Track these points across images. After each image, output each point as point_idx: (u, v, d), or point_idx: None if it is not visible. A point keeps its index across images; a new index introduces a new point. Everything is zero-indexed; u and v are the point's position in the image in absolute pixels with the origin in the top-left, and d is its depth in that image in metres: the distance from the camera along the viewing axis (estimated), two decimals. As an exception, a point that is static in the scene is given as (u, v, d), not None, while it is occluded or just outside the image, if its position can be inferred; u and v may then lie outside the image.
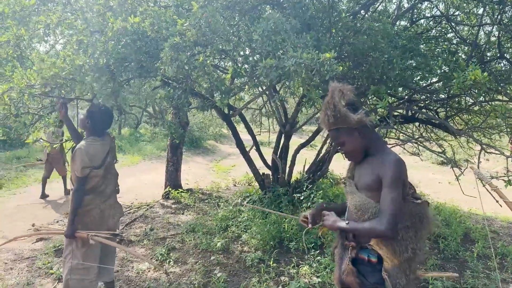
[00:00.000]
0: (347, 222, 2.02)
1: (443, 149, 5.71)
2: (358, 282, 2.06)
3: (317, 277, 4.16)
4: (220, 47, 3.70)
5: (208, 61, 3.46)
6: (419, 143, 5.39)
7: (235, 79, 4.70)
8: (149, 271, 4.44)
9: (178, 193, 7.41)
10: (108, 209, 3.18)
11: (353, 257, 2.07)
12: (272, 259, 4.45)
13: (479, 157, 4.04)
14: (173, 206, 7.03)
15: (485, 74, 3.31)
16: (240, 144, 6.20)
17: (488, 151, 4.43)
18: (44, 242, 5.17)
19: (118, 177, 3.41)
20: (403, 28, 5.31)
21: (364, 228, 1.94)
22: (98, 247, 3.12)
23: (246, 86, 3.84)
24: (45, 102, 4.47)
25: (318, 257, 4.50)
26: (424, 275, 2.15)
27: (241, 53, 3.78)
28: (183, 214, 6.56)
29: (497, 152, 3.82)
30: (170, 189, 7.58)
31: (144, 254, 4.85)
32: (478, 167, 4.03)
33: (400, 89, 4.74)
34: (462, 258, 4.93)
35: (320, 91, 3.66)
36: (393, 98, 5.15)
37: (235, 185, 9.22)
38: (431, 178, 12.67)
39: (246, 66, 3.73)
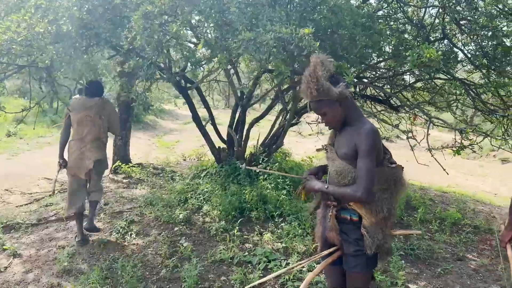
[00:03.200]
0: (326, 186, 2.21)
1: (398, 122, 6.15)
2: (340, 239, 2.27)
3: (280, 242, 4.39)
4: (192, 16, 3.67)
5: (182, 31, 3.43)
6: (377, 117, 5.74)
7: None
8: (110, 243, 4.39)
9: (128, 167, 7.25)
10: (86, 152, 4.19)
11: (335, 214, 2.25)
12: (236, 228, 4.59)
13: (427, 130, 4.44)
14: (124, 180, 6.88)
15: (439, 52, 3.62)
16: (196, 117, 6.19)
17: (436, 124, 4.87)
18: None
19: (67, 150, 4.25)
20: (357, 7, 5.55)
21: (341, 193, 2.15)
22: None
23: (216, 58, 3.85)
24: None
25: (282, 224, 4.73)
26: (392, 232, 2.40)
27: (211, 24, 3.78)
28: (136, 188, 6.46)
29: (444, 125, 4.25)
30: (120, 163, 7.39)
31: (102, 228, 4.77)
32: (427, 140, 4.43)
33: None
34: (407, 223, 5.43)
35: (289, 67, 3.78)
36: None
37: (184, 160, 9.19)
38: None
39: (216, 37, 3.74)
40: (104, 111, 4.26)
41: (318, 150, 2.62)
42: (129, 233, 4.60)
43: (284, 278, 3.67)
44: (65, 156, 4.31)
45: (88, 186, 4.40)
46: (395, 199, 2.25)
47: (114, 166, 7.43)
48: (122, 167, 7.23)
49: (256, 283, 2.43)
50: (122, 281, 3.54)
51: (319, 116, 2.30)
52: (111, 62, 8.15)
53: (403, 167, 2.31)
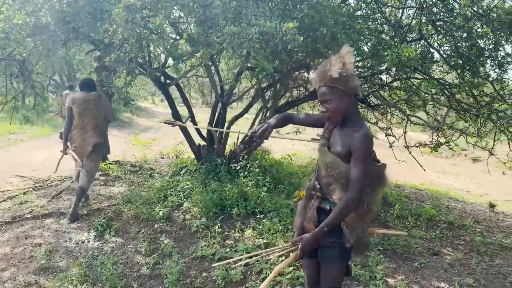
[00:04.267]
0: (320, 227, 2.11)
1: (377, 119, 6.26)
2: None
3: (261, 238, 4.40)
4: (174, 11, 3.64)
5: (165, 25, 3.40)
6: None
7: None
8: (88, 241, 4.31)
9: (105, 165, 7.11)
10: (87, 138, 4.81)
11: (317, 205, 2.26)
12: (217, 225, 4.58)
13: (405, 128, 4.54)
14: (101, 178, 6.75)
15: (418, 51, 3.72)
16: (176, 114, 6.14)
17: (413, 122, 5.00)
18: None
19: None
20: (338, 6, 5.63)
21: (338, 213, 2.08)
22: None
23: (198, 54, 3.84)
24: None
25: (264, 220, 4.74)
26: (378, 232, 2.45)
27: (194, 19, 3.76)
28: (114, 186, 6.35)
29: (421, 122, 4.36)
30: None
31: (79, 226, 4.68)
32: (405, 137, 4.53)
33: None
34: (384, 219, 5.55)
35: (271, 63, 3.80)
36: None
37: (163, 158, 9.09)
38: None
39: (199, 33, 3.72)
40: (100, 103, 4.86)
41: (313, 139, 2.62)
42: (108, 230, 4.51)
43: (265, 274, 3.69)
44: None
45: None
46: (375, 195, 2.29)
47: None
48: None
49: (226, 261, 2.32)
50: (102, 278, 3.48)
51: (320, 104, 2.23)
52: (87, 57, 8.01)
53: (386, 165, 2.35)
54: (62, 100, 5.18)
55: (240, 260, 2.92)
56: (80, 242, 4.26)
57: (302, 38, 3.03)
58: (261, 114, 6.82)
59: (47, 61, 3.57)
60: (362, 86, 6.52)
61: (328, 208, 2.24)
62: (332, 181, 2.18)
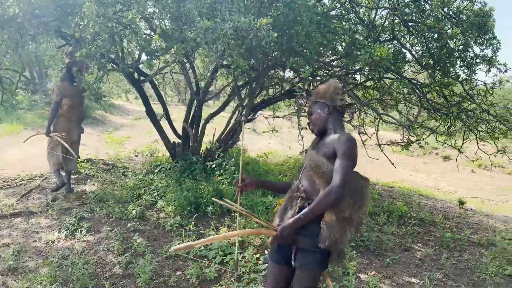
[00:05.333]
0: (297, 216, 2.12)
1: (351, 118, 6.33)
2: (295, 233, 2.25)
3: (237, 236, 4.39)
4: (147, 7, 3.58)
5: (138, 20, 3.35)
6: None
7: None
8: (59, 241, 4.20)
9: (77, 163, 6.94)
10: (73, 129, 5.45)
11: (301, 206, 2.27)
12: (192, 223, 4.54)
13: (377, 126, 4.62)
14: (72, 176, 6.60)
15: (390, 51, 3.78)
16: (150, 112, 6.05)
17: (385, 120, 5.08)
18: None
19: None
20: (313, 5, 5.67)
21: (317, 202, 2.08)
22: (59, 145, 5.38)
23: (172, 50, 3.79)
24: None
25: (239, 218, 4.72)
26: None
27: (168, 15, 3.71)
28: (85, 184, 6.22)
29: (394, 121, 4.44)
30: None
31: (49, 225, 4.56)
32: (377, 136, 4.60)
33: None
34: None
35: (247, 61, 3.79)
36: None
37: (137, 156, 8.95)
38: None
39: (173, 28, 3.68)
40: (83, 96, 5.11)
41: (301, 153, 2.76)
42: (79, 230, 4.41)
43: (240, 271, 3.68)
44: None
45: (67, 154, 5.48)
46: (359, 209, 2.22)
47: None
48: (70, 163, 6.91)
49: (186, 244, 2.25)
50: (73, 278, 3.40)
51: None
52: (59, 53, 7.80)
53: (368, 180, 2.37)
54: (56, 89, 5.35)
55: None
56: (50, 241, 4.15)
57: (276, 35, 3.04)
58: (237, 112, 6.81)
59: (15, 55, 3.43)
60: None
61: None
62: (316, 179, 2.18)
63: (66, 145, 5.26)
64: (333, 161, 2.15)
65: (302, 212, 2.11)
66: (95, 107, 17.78)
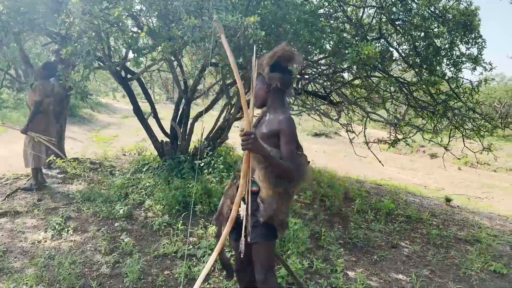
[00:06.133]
0: (270, 149, 2.24)
1: (339, 116, 6.37)
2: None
3: (225, 235, 4.38)
4: (134, 4, 3.55)
5: (124, 17, 3.32)
6: (318, 111, 5.91)
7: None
8: (45, 241, 4.14)
9: (63, 162, 6.86)
10: (50, 127, 5.64)
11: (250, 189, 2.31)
12: (180, 222, 4.52)
13: (364, 124, 4.65)
14: (59, 176, 6.53)
15: (377, 50, 3.80)
16: (138, 110, 6.00)
17: (372, 118, 5.12)
18: None
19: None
20: (300, 3, 5.68)
21: (280, 162, 2.19)
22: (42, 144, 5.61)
23: (159, 47, 3.76)
24: None
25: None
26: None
27: (155, 13, 3.69)
28: (72, 184, 6.15)
29: (381, 119, 4.48)
30: (54, 158, 6.97)
31: (35, 225, 4.50)
32: (364, 134, 4.63)
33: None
34: (345, 213, 5.66)
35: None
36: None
37: (124, 155, 8.87)
38: (307, 147, 13.83)
39: (160, 26, 3.65)
40: (63, 93, 5.84)
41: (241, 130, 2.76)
42: (66, 229, 4.36)
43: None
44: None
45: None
46: (296, 184, 2.38)
47: (48, 160, 7.01)
48: (56, 162, 6.83)
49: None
50: (59, 278, 3.35)
51: None
52: (44, 51, 7.69)
53: (308, 160, 2.47)
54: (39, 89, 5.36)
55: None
56: (36, 241, 4.09)
57: (264, 33, 3.03)
58: (225, 110, 6.79)
59: (0, 53, 3.38)
60: (325, 84, 6.63)
61: (254, 189, 2.32)
62: (256, 160, 2.28)
63: (49, 144, 5.56)
64: (274, 141, 2.27)
65: (271, 153, 2.19)
66: (82, 105, 17.59)
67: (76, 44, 3.43)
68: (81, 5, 3.11)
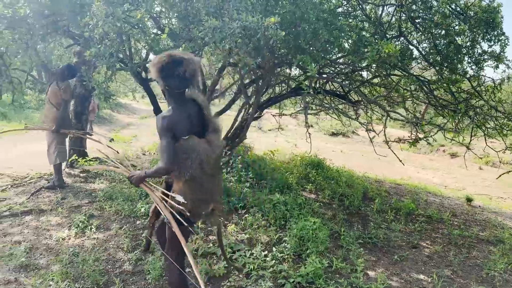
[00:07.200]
0: (144, 172, 2.60)
1: (358, 115, 6.34)
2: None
3: (244, 233, 4.42)
4: (155, 6, 3.61)
5: (146, 19, 3.37)
6: (338, 110, 5.89)
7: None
8: (69, 238, 4.25)
9: (85, 161, 7.01)
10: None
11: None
12: (200, 220, 4.56)
13: (384, 123, 4.62)
14: (81, 174, 6.68)
15: (398, 48, 3.77)
16: (157, 110, 6.08)
17: (393, 117, 5.08)
18: None
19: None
20: (319, 2, 5.66)
21: (155, 169, 2.52)
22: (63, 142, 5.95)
23: (180, 49, 3.81)
24: None
25: (246, 215, 4.76)
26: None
27: (176, 14, 3.74)
28: (94, 182, 6.28)
29: (401, 118, 4.44)
30: (76, 157, 7.13)
31: (60, 223, 4.61)
32: (384, 133, 4.60)
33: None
34: (364, 213, 5.63)
35: (254, 59, 3.80)
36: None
37: (144, 154, 9.00)
38: (324, 146, 13.81)
39: (181, 27, 3.70)
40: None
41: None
42: (89, 227, 4.46)
43: (249, 268, 3.71)
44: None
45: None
46: (197, 167, 2.49)
47: (70, 160, 7.17)
48: (79, 161, 6.99)
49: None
50: (83, 275, 3.44)
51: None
52: (67, 52, 7.84)
53: (194, 137, 2.51)
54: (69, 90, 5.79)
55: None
56: (60, 239, 4.20)
57: (284, 34, 3.05)
58: (243, 110, 6.83)
59: (25, 55, 3.48)
60: (343, 83, 6.59)
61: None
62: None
63: (87, 136, 6.54)
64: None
65: (147, 171, 2.58)
66: (102, 105, 17.89)
67: (100, 45, 3.51)
68: (104, 7, 3.18)
